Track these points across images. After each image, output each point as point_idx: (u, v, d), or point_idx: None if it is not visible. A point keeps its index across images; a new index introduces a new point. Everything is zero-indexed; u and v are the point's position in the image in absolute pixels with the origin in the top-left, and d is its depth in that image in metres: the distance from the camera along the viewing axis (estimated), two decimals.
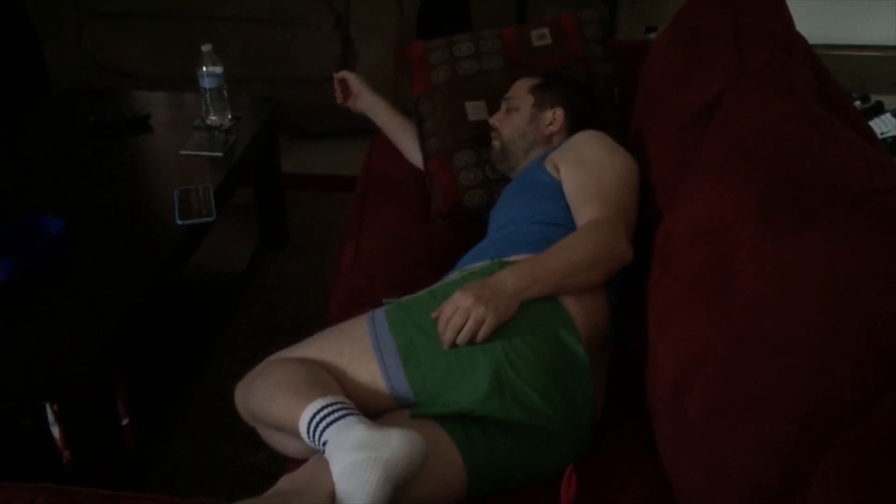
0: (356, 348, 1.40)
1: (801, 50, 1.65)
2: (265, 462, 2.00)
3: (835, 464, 0.93)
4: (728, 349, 1.17)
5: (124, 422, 1.84)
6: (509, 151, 1.90)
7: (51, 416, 1.74)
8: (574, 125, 1.86)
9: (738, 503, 1.08)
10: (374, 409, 1.35)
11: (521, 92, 1.92)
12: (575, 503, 1.12)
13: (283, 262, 2.78)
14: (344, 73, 2.22)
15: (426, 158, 2.10)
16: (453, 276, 1.58)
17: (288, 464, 1.42)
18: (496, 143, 1.93)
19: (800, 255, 1.10)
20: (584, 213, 1.56)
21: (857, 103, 3.53)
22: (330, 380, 1.35)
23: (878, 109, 3.51)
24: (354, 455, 1.15)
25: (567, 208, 1.62)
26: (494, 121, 1.94)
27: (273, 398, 1.34)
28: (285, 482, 1.22)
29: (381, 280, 1.82)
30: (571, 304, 1.43)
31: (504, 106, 1.94)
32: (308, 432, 1.23)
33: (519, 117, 1.90)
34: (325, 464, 1.20)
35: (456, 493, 1.29)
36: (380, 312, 1.45)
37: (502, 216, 1.72)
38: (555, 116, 1.87)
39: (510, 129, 1.90)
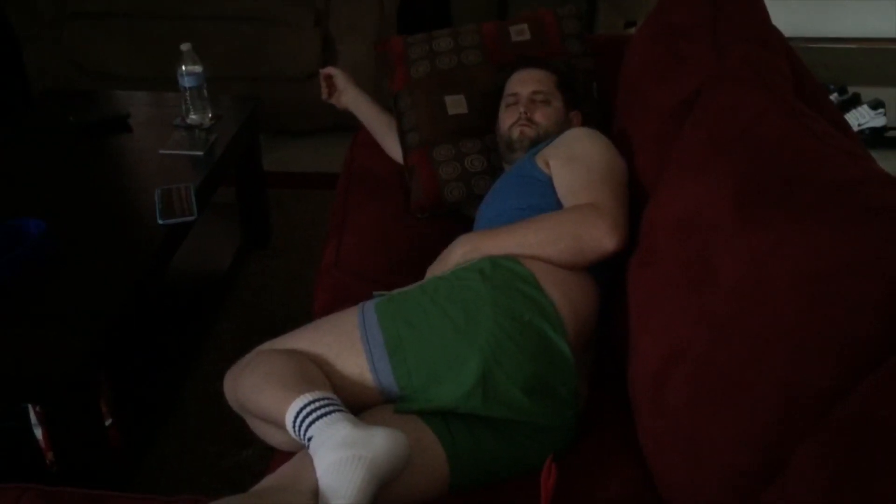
0: (345, 340, 1.41)
1: (777, 44, 1.67)
2: (250, 461, 2.00)
3: (812, 450, 0.94)
4: (707, 340, 1.18)
5: (108, 422, 1.84)
6: (537, 142, 1.85)
7: (34, 418, 1.74)
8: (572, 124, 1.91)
9: (718, 491, 1.10)
10: (360, 402, 1.35)
11: (551, 86, 1.92)
12: (556, 494, 1.13)
13: (265, 261, 2.78)
14: (330, 69, 2.23)
15: (406, 153, 2.10)
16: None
17: (274, 455, 1.42)
18: (530, 132, 1.85)
19: (775, 246, 1.11)
20: (572, 204, 1.58)
21: (835, 95, 3.56)
22: (318, 374, 1.36)
23: (856, 101, 3.54)
24: (339, 453, 1.15)
25: (557, 203, 1.63)
26: (536, 113, 1.87)
27: (261, 390, 1.34)
28: (269, 479, 1.23)
29: (365, 277, 1.82)
30: (561, 303, 1.43)
31: (534, 97, 1.89)
32: (294, 426, 1.24)
33: (554, 112, 1.89)
34: (310, 461, 1.20)
35: (438, 487, 1.30)
36: (370, 305, 1.45)
37: (492, 209, 1.73)
38: (576, 117, 1.93)
39: (550, 122, 1.87)
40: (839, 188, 1.12)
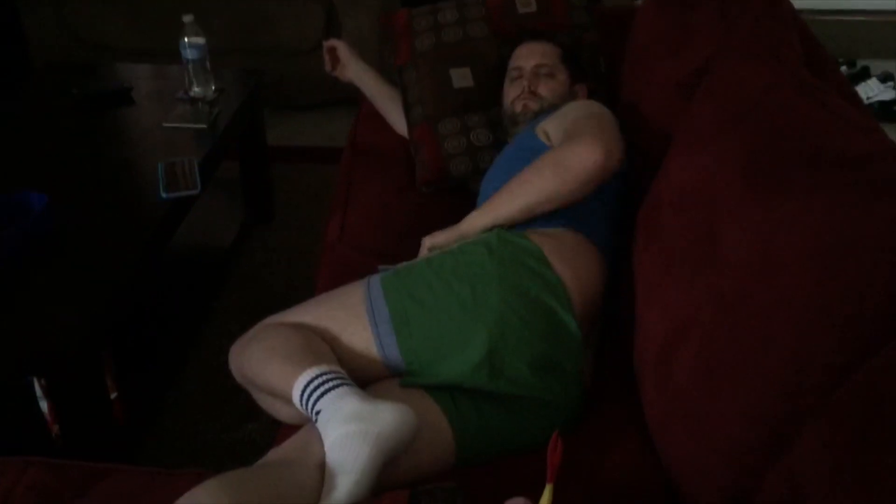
0: (351, 315, 1.40)
1: (787, 15, 1.64)
2: (255, 435, 2.00)
3: (817, 427, 0.94)
4: (713, 315, 1.17)
5: (113, 395, 1.84)
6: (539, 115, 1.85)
7: (39, 391, 1.74)
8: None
9: (723, 467, 1.10)
10: (366, 376, 1.35)
11: (555, 59, 1.91)
12: (561, 469, 1.13)
13: (269, 236, 2.77)
14: (333, 42, 2.21)
15: (411, 127, 2.09)
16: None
17: (280, 429, 1.42)
18: (534, 105, 1.85)
19: (783, 221, 1.10)
20: None
21: (844, 68, 3.53)
22: (324, 347, 1.35)
23: (865, 74, 3.51)
24: (346, 427, 1.15)
25: None
26: (539, 87, 1.86)
27: (267, 364, 1.34)
28: (275, 453, 1.23)
29: (369, 251, 1.82)
30: (568, 279, 1.42)
31: (537, 71, 1.88)
32: (301, 401, 1.24)
33: (559, 85, 1.88)
34: (316, 435, 1.20)
35: (444, 461, 1.30)
36: (375, 279, 1.45)
37: (495, 182, 1.71)
38: (581, 90, 1.92)
39: (553, 95, 1.86)
40: (849, 163, 1.10)
